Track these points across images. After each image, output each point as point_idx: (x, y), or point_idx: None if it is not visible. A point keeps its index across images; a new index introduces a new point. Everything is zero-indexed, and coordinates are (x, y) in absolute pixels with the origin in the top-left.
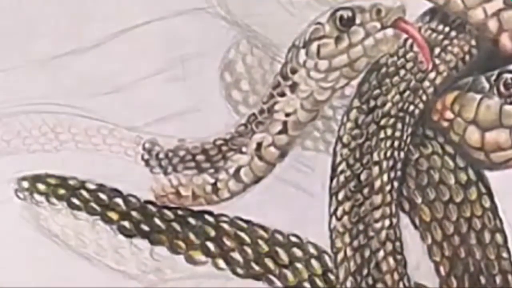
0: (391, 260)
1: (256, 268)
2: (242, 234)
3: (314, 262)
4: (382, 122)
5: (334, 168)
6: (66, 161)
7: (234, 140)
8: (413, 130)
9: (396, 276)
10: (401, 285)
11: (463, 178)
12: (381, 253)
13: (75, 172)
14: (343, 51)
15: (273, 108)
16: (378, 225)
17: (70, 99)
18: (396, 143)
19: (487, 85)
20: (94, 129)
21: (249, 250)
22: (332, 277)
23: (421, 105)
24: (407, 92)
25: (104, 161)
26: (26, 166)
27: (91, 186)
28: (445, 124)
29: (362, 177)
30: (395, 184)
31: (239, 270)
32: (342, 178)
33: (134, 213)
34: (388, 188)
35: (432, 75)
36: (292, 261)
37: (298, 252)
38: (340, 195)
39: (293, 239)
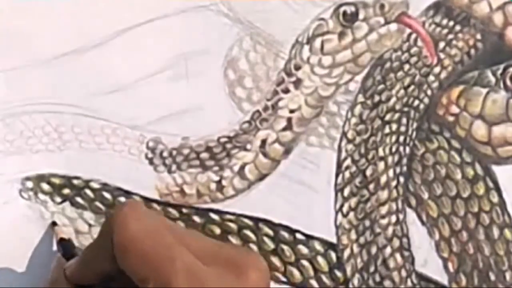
0: (398, 256)
1: None
2: (247, 232)
3: (320, 259)
4: (387, 117)
5: (339, 164)
6: (69, 160)
7: (238, 138)
8: (418, 125)
9: (403, 273)
10: (409, 282)
11: (470, 173)
12: (388, 250)
13: (79, 171)
14: (347, 47)
15: (277, 105)
16: (384, 221)
17: (73, 98)
18: (401, 138)
19: (493, 79)
20: (97, 128)
21: (254, 248)
22: (339, 274)
23: (426, 100)
24: (412, 87)
25: (107, 160)
26: (30, 166)
27: (95, 185)
28: (451, 118)
29: (368, 172)
30: (401, 179)
31: None
32: (347, 174)
33: None
34: (394, 183)
35: (437, 69)
36: (298, 259)
37: (304, 249)
38: (346, 191)
39: (299, 236)
